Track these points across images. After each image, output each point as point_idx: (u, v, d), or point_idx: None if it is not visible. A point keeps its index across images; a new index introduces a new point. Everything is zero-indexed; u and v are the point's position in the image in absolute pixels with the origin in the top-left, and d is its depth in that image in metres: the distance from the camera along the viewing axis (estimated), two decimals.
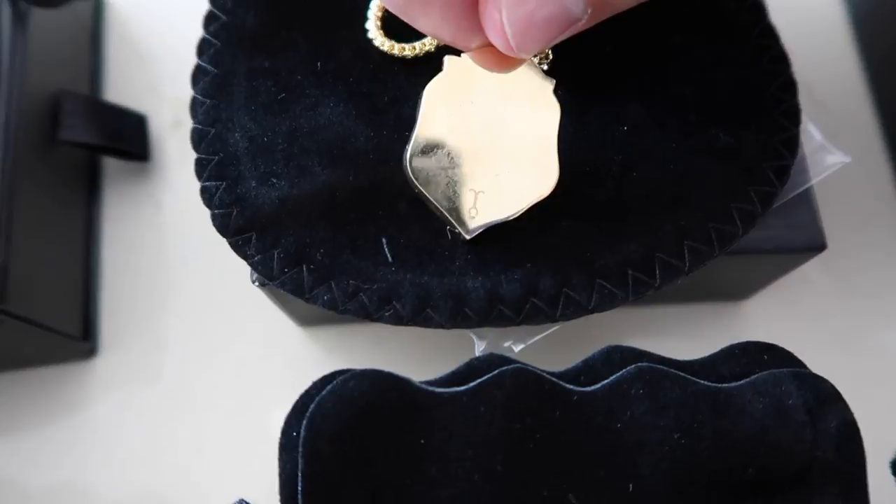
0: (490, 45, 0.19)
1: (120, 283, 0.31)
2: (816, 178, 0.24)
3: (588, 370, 0.20)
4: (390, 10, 0.19)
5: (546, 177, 0.20)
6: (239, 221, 0.21)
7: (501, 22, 0.18)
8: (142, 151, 0.32)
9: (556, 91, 0.21)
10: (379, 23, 0.23)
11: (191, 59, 0.23)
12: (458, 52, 0.21)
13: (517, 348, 0.22)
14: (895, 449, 0.22)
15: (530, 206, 0.20)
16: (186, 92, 0.23)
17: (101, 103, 0.32)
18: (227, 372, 0.30)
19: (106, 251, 0.32)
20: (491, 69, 0.20)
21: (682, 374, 0.19)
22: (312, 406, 0.18)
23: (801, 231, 0.25)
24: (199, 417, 0.29)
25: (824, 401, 0.19)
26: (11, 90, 0.26)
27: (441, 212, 0.20)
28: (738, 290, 0.30)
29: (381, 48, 0.23)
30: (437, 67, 0.21)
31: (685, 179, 0.22)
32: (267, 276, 0.21)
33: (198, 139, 0.22)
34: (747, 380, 0.19)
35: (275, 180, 0.22)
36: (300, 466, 0.18)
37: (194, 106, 0.23)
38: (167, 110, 0.34)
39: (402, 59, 0.23)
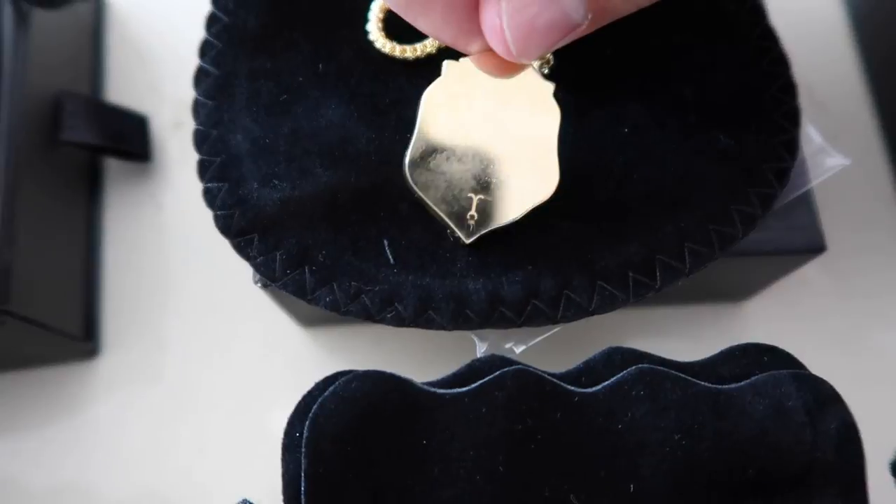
0: (490, 49, 0.19)
1: (121, 283, 0.31)
2: (816, 181, 0.24)
3: (589, 371, 0.20)
4: (392, 8, 0.19)
5: (546, 180, 0.20)
6: (241, 223, 0.21)
7: (501, 27, 0.18)
8: (143, 152, 0.32)
9: (555, 94, 0.21)
10: (380, 24, 0.23)
11: (192, 60, 0.24)
12: (458, 55, 0.21)
13: (518, 350, 0.22)
14: (894, 450, 0.22)
15: (530, 209, 0.20)
16: (187, 92, 0.23)
17: (102, 104, 0.32)
18: (229, 372, 0.30)
19: (107, 251, 0.32)
20: (492, 74, 0.20)
21: (683, 375, 0.20)
22: (315, 407, 0.19)
23: (800, 233, 0.25)
24: (201, 417, 0.29)
25: (824, 402, 0.19)
26: (13, 91, 0.26)
27: (441, 217, 0.21)
28: (738, 292, 0.30)
29: (383, 50, 0.23)
30: (438, 69, 0.21)
31: (685, 181, 0.22)
32: (269, 278, 0.21)
33: (200, 141, 0.23)
34: (747, 381, 0.20)
35: (277, 182, 0.22)
36: (303, 467, 0.18)
37: (196, 107, 0.23)
38: (168, 111, 0.34)
39: (404, 61, 0.23)
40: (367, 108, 0.23)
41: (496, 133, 0.21)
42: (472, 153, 0.21)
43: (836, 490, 0.19)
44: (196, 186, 0.22)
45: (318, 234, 0.21)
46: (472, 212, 0.20)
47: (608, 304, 0.21)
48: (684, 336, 0.30)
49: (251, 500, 0.20)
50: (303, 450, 0.18)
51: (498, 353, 0.21)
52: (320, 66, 0.23)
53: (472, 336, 0.22)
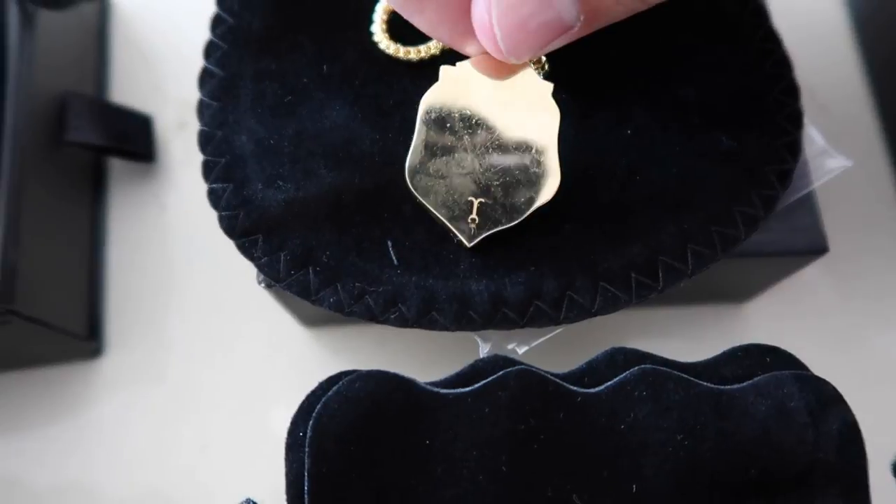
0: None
1: (125, 283, 0.31)
2: (818, 182, 0.24)
3: (592, 372, 0.20)
4: (390, 4, 0.19)
5: (548, 181, 0.21)
6: (246, 223, 0.22)
7: (491, 24, 0.18)
8: (147, 152, 0.32)
9: (554, 94, 0.21)
10: (384, 25, 0.23)
11: (196, 61, 0.24)
12: (459, 58, 0.21)
13: (521, 350, 0.22)
14: None
15: (532, 212, 0.21)
16: (192, 93, 0.23)
17: (106, 104, 0.32)
18: (233, 372, 0.30)
19: (111, 251, 0.32)
20: (489, 76, 0.20)
21: (685, 375, 0.20)
22: (319, 406, 0.19)
23: (802, 234, 0.25)
24: (205, 417, 0.29)
25: (826, 403, 0.19)
26: (18, 91, 0.26)
27: (442, 221, 0.21)
28: (739, 293, 0.30)
29: (387, 51, 0.23)
30: (439, 70, 0.21)
31: (688, 182, 0.22)
32: (273, 278, 0.21)
33: (205, 141, 0.23)
34: (749, 382, 0.20)
35: (281, 183, 0.22)
36: (306, 466, 0.18)
37: (201, 108, 0.23)
38: (172, 111, 0.34)
39: (408, 62, 0.23)
40: (371, 109, 0.23)
41: (495, 136, 0.21)
42: (472, 157, 0.21)
43: (838, 490, 0.19)
44: (200, 187, 0.22)
45: (322, 234, 0.21)
46: (473, 215, 0.21)
47: (611, 306, 0.21)
48: (686, 337, 0.31)
49: (254, 500, 0.20)
50: (306, 449, 0.18)
51: (500, 353, 0.21)
52: (325, 67, 0.23)
53: (475, 337, 0.22)
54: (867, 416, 0.20)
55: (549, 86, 0.21)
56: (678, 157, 0.22)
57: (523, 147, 0.21)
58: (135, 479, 0.29)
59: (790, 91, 0.23)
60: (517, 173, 0.21)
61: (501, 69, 0.20)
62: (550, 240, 0.21)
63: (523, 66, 0.21)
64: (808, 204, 0.25)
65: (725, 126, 0.23)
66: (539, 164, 0.21)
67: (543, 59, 0.22)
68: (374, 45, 0.23)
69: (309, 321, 0.30)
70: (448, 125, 0.21)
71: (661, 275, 0.21)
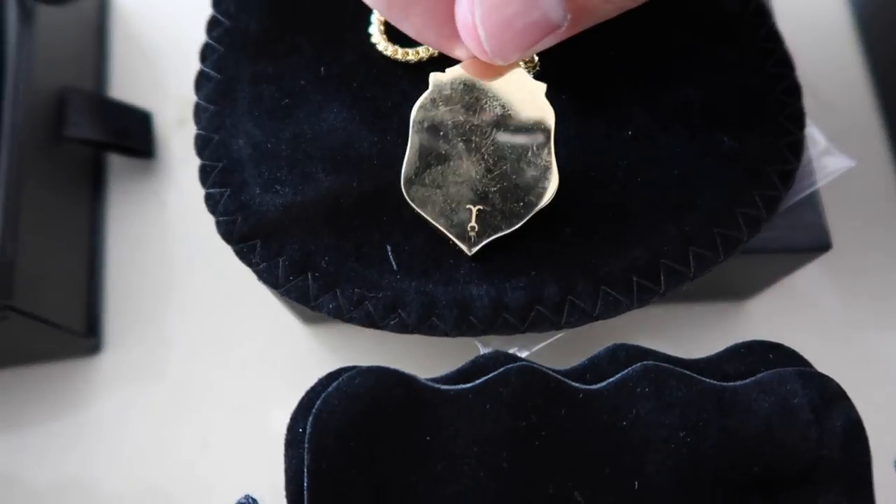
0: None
1: (124, 279, 0.31)
2: (821, 182, 0.24)
3: (594, 368, 0.20)
4: (376, 10, 0.19)
5: (546, 184, 0.20)
6: (243, 229, 0.21)
7: (474, 24, 0.17)
8: (146, 148, 0.32)
9: (553, 95, 0.21)
10: (382, 27, 0.23)
11: (196, 57, 0.23)
12: (454, 61, 0.20)
13: (522, 355, 0.22)
14: None
15: (531, 216, 0.20)
16: (191, 89, 0.23)
17: (106, 100, 0.32)
18: (232, 368, 0.30)
19: (110, 248, 0.32)
20: (480, 77, 0.20)
21: (688, 372, 0.19)
22: (318, 402, 0.19)
23: (806, 231, 0.25)
24: (204, 414, 0.29)
25: (830, 399, 0.19)
26: (17, 87, 0.26)
27: (441, 231, 0.20)
28: (742, 290, 0.30)
29: (385, 53, 0.23)
30: (440, 72, 0.21)
31: (689, 184, 0.22)
32: (272, 285, 0.21)
33: (202, 145, 0.22)
34: (753, 378, 0.19)
35: (279, 187, 0.22)
36: (306, 462, 0.18)
37: (198, 112, 0.23)
38: (172, 107, 0.34)
39: (406, 64, 0.23)
40: (369, 111, 0.22)
41: (490, 140, 0.20)
42: (468, 164, 0.20)
43: (842, 488, 0.19)
44: (200, 184, 0.22)
45: (320, 239, 0.21)
46: (473, 223, 0.20)
47: (612, 310, 0.21)
48: (689, 334, 0.30)
49: (254, 496, 0.20)
50: (306, 446, 0.18)
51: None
52: (322, 69, 0.23)
53: (476, 342, 0.22)
54: (871, 413, 0.20)
55: (542, 86, 0.20)
56: (679, 158, 0.22)
57: (519, 150, 0.20)
58: (134, 475, 0.29)
59: (792, 90, 0.23)
60: (514, 178, 0.20)
61: (491, 71, 0.20)
62: (551, 244, 0.21)
63: (513, 66, 0.20)
64: (812, 201, 0.25)
65: (727, 126, 0.22)
66: (536, 167, 0.20)
67: (536, 58, 0.22)
68: (372, 46, 0.23)
69: (309, 318, 0.30)
70: (441, 133, 0.20)
71: (662, 278, 0.21)
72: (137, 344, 0.30)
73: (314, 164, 0.22)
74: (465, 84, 0.20)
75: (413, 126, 0.20)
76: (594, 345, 0.21)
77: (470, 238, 0.20)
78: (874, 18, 0.35)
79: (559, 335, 0.22)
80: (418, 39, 0.20)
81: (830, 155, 0.25)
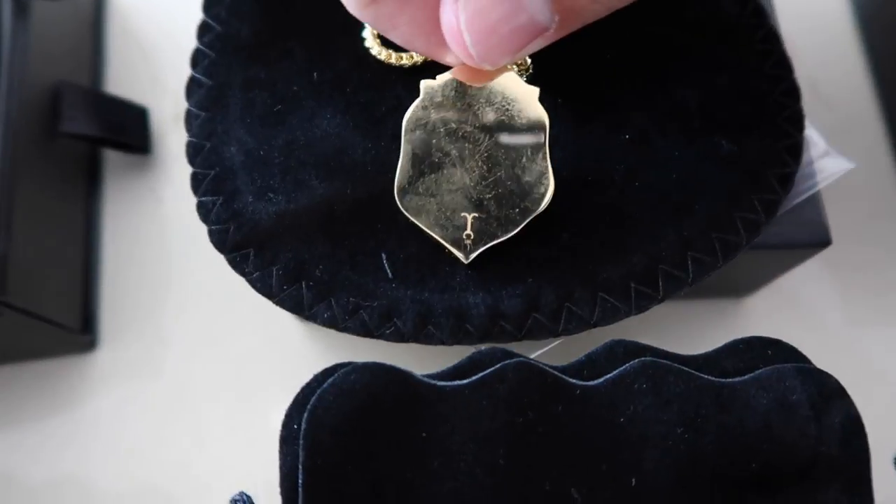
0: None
1: (120, 276, 0.31)
2: (820, 185, 0.24)
3: (591, 364, 0.20)
4: (364, 21, 0.19)
5: (541, 190, 0.20)
6: (236, 237, 0.21)
7: (459, 29, 0.17)
8: (143, 144, 0.32)
9: (549, 99, 0.20)
10: (376, 31, 0.23)
11: None
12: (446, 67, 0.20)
13: None
14: None
15: (528, 222, 0.20)
16: None
17: (101, 95, 0.32)
18: (228, 365, 0.30)
19: (106, 244, 0.32)
20: (470, 83, 0.20)
21: (686, 368, 0.19)
22: (314, 398, 0.18)
23: (805, 227, 0.25)
24: (200, 411, 0.29)
25: (828, 396, 0.19)
26: (12, 81, 0.26)
27: (436, 240, 0.20)
28: (741, 286, 0.30)
29: (379, 57, 0.23)
30: (433, 76, 0.20)
31: (688, 188, 0.21)
32: (266, 294, 0.21)
33: (193, 153, 0.22)
34: (751, 375, 0.19)
35: (272, 195, 0.21)
36: (301, 459, 0.18)
37: (189, 119, 0.23)
38: (168, 103, 0.33)
39: (400, 68, 0.23)
40: (363, 117, 0.22)
41: (484, 147, 0.20)
42: (461, 171, 0.20)
43: (841, 484, 0.18)
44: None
45: (314, 248, 0.21)
46: (468, 231, 0.20)
47: (610, 317, 0.21)
48: (687, 330, 0.30)
49: (248, 493, 0.20)
50: (301, 442, 0.18)
51: None
52: (315, 75, 0.23)
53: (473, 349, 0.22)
54: (869, 410, 0.20)
55: (535, 90, 0.20)
56: (677, 162, 0.22)
57: (513, 156, 0.20)
58: (130, 473, 0.28)
59: (791, 92, 0.23)
60: (509, 184, 0.20)
61: (481, 76, 0.20)
62: (548, 250, 0.21)
63: (503, 70, 0.20)
64: (812, 198, 0.25)
65: (725, 129, 0.22)
66: (531, 172, 0.20)
67: (528, 61, 0.22)
68: (366, 51, 0.23)
69: None
70: (434, 140, 0.20)
71: (661, 283, 0.21)
72: (133, 341, 0.30)
73: (307, 170, 0.22)
74: (456, 90, 0.20)
75: (405, 134, 0.20)
76: (592, 340, 0.21)
77: (466, 246, 0.20)
78: (875, 17, 0.35)
79: (556, 342, 0.22)
80: (408, 48, 0.19)
81: (830, 157, 0.24)
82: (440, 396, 0.19)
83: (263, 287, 0.21)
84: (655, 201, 0.21)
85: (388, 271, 0.21)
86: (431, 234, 0.20)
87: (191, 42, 0.24)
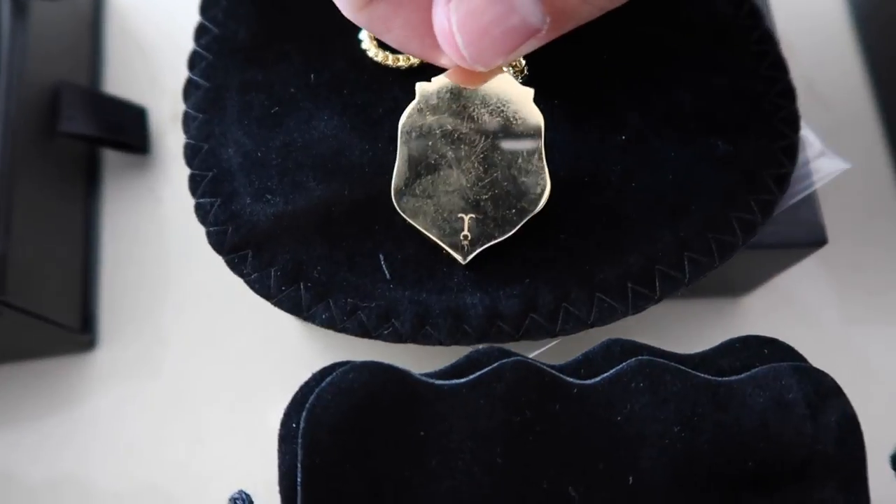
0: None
1: (119, 275, 0.31)
2: (817, 185, 0.24)
3: (588, 363, 0.20)
4: (358, 25, 0.19)
5: (537, 189, 0.20)
6: (234, 239, 0.21)
7: (451, 31, 0.17)
8: (142, 144, 0.32)
9: (545, 100, 0.20)
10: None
11: None
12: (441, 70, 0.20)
13: None
14: (895, 443, 0.22)
15: (524, 222, 0.20)
16: None
17: (100, 95, 0.32)
18: (227, 364, 0.30)
19: (105, 244, 0.32)
20: (465, 85, 0.20)
21: (683, 367, 0.19)
22: (312, 397, 0.18)
23: (802, 226, 0.25)
24: (199, 410, 0.29)
25: (825, 394, 0.19)
26: (11, 81, 0.26)
27: (433, 241, 0.20)
28: (738, 286, 0.30)
29: (375, 59, 0.23)
30: (430, 79, 0.21)
31: (684, 189, 0.22)
32: (264, 295, 0.21)
33: (191, 155, 0.22)
34: (748, 373, 0.19)
35: (270, 196, 0.21)
36: (299, 458, 0.18)
37: (186, 121, 0.23)
38: (167, 103, 0.34)
39: (397, 70, 0.23)
40: (360, 119, 0.22)
41: (480, 148, 0.20)
42: (458, 172, 0.20)
43: (837, 483, 0.18)
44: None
45: (312, 249, 0.21)
46: (465, 232, 0.20)
47: (607, 317, 0.21)
48: (684, 329, 0.30)
49: (247, 492, 0.20)
50: (299, 441, 0.18)
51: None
52: (312, 77, 0.23)
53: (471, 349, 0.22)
54: (865, 408, 0.20)
55: (530, 91, 0.20)
56: (673, 163, 0.22)
57: (509, 157, 0.20)
58: (129, 472, 0.29)
59: (786, 93, 0.23)
60: (506, 185, 0.20)
61: (475, 78, 0.20)
62: (545, 251, 0.21)
63: (497, 72, 0.20)
64: (808, 197, 0.25)
65: (721, 130, 0.22)
66: (527, 172, 0.20)
67: (523, 62, 0.22)
68: (363, 53, 0.23)
69: None
70: (430, 142, 0.20)
71: (657, 284, 0.21)
72: (132, 340, 0.30)
73: (305, 172, 0.22)
74: (451, 92, 0.20)
75: (401, 136, 0.20)
76: (589, 340, 0.21)
77: (463, 247, 0.20)
78: (872, 17, 0.35)
79: (554, 342, 0.22)
80: (402, 50, 0.19)
81: (826, 157, 0.24)
82: (438, 395, 0.19)
83: (262, 288, 0.21)
84: (652, 202, 0.21)
85: (386, 272, 0.21)
86: (429, 235, 0.20)
87: (189, 42, 0.24)
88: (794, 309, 0.31)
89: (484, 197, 0.20)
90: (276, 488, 0.19)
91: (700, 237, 0.21)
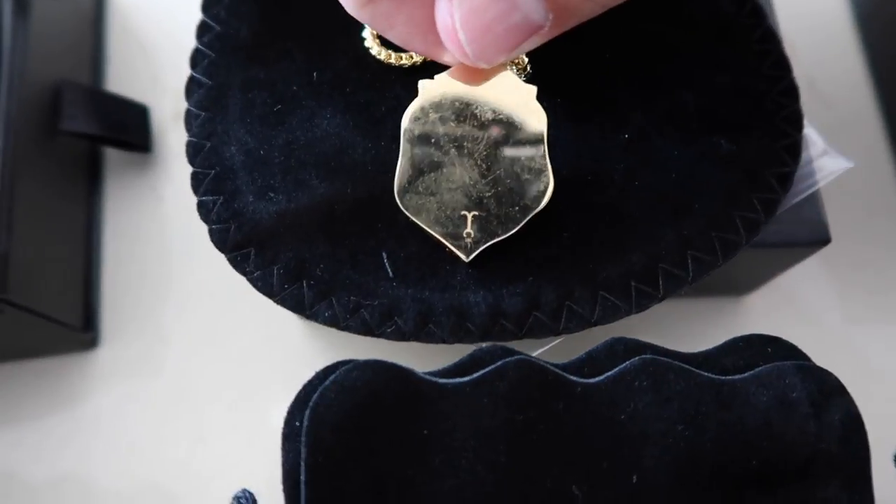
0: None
1: (121, 274, 0.31)
2: (820, 184, 0.24)
3: (591, 362, 0.20)
4: (361, 21, 0.19)
5: (541, 188, 0.20)
6: (237, 237, 0.21)
7: (454, 28, 0.17)
8: (143, 142, 0.32)
9: (548, 98, 0.20)
10: (375, 31, 0.23)
11: None
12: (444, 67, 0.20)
13: None
14: None
15: (528, 220, 0.20)
16: None
17: (102, 93, 0.32)
18: (229, 363, 0.30)
19: (107, 242, 0.32)
20: (468, 82, 0.20)
21: (686, 366, 0.19)
22: (315, 396, 0.18)
23: (805, 225, 0.25)
24: (201, 409, 0.29)
25: (828, 393, 0.19)
26: (12, 80, 0.26)
27: (437, 239, 0.20)
28: (741, 284, 0.30)
29: (378, 57, 0.23)
30: (432, 76, 0.20)
31: (687, 187, 0.22)
32: (267, 293, 0.21)
33: (193, 153, 0.22)
34: (751, 372, 0.19)
35: (272, 194, 0.21)
36: (303, 456, 0.18)
37: (188, 119, 0.23)
38: (169, 101, 0.33)
39: (400, 68, 0.23)
40: (363, 117, 0.22)
41: (482, 145, 0.20)
42: (461, 170, 0.20)
43: (840, 482, 0.18)
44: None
45: (315, 247, 0.21)
46: (468, 229, 0.20)
47: (611, 315, 0.21)
48: (687, 328, 0.30)
49: (250, 491, 0.20)
50: (302, 439, 0.18)
51: None
52: (315, 75, 0.23)
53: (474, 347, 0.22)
54: (868, 407, 0.20)
55: (533, 89, 0.20)
56: (677, 162, 0.22)
57: (512, 154, 0.20)
58: (131, 471, 0.29)
59: (789, 92, 0.23)
60: (509, 182, 0.20)
61: (478, 75, 0.20)
62: (548, 249, 0.21)
63: (500, 69, 0.20)
64: (811, 196, 0.25)
65: (724, 129, 0.22)
66: (530, 170, 0.20)
67: (525, 60, 0.22)
68: (366, 51, 0.23)
69: None
70: (433, 140, 0.20)
71: (661, 282, 0.21)
72: (134, 339, 0.30)
73: (308, 170, 0.22)
74: (454, 90, 0.20)
75: (404, 134, 0.20)
76: (593, 339, 0.21)
77: (466, 245, 0.20)
78: (874, 16, 0.35)
79: (557, 341, 0.22)
80: (405, 47, 0.19)
81: (828, 156, 0.24)
82: (441, 394, 0.19)
83: (264, 286, 0.21)
84: (655, 200, 0.21)
85: (389, 270, 0.21)
86: (432, 232, 0.20)
87: (191, 40, 0.24)
88: (797, 308, 0.31)
89: (487, 194, 0.20)
90: (279, 487, 0.19)
91: (703, 235, 0.21)
